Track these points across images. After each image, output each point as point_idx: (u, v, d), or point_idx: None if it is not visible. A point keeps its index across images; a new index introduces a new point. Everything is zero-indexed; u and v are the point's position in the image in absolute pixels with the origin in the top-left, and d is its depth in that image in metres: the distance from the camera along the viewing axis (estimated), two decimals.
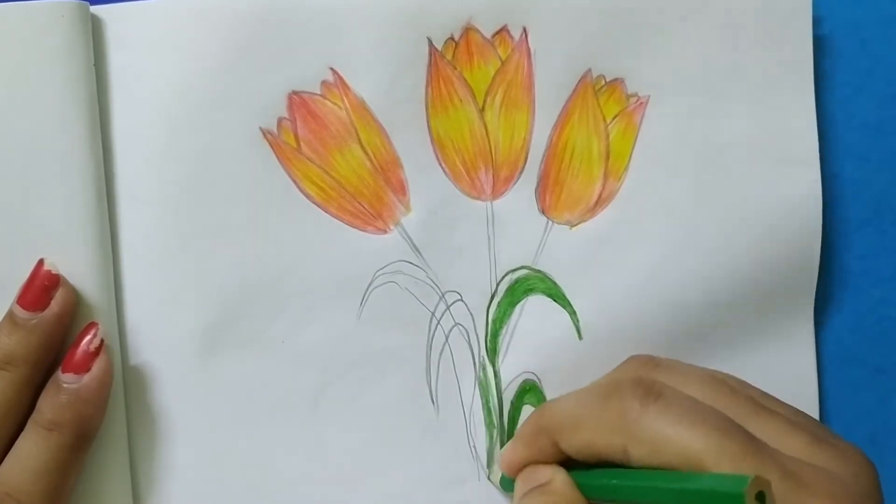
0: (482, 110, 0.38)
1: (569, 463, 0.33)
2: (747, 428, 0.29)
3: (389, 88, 0.37)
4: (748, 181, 0.39)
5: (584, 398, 0.32)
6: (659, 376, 0.31)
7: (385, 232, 0.38)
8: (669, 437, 0.28)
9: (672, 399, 0.29)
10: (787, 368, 0.40)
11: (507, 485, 0.37)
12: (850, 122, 0.39)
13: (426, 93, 0.38)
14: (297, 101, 0.37)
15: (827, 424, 0.40)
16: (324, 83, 0.37)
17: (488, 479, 0.38)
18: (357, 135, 0.38)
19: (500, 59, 0.38)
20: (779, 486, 0.26)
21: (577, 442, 0.31)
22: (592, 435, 0.30)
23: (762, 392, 0.32)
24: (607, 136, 0.38)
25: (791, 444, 0.29)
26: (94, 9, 0.36)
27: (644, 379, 0.30)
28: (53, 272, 0.35)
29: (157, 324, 0.37)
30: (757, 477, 0.25)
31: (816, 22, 0.39)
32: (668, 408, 0.29)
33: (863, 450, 0.30)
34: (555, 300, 0.39)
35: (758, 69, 0.38)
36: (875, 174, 0.40)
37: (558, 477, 0.33)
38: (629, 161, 0.39)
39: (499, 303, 0.39)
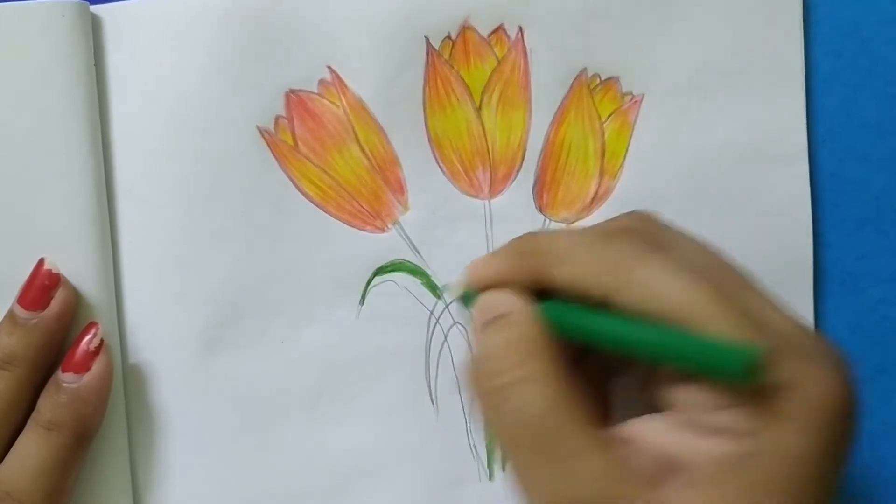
0: (479, 109, 0.38)
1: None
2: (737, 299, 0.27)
3: (387, 88, 0.38)
4: (740, 179, 0.38)
5: (579, 234, 0.29)
6: (661, 233, 0.30)
7: (383, 231, 0.38)
8: (669, 284, 0.26)
9: (675, 253, 0.28)
10: None
11: (469, 301, 0.31)
12: (850, 122, 0.39)
13: (424, 92, 0.38)
14: (295, 99, 0.37)
15: None
16: (321, 82, 0.38)
17: (440, 297, 0.38)
18: (355, 134, 0.38)
19: (497, 58, 0.38)
20: (776, 350, 0.25)
21: (564, 274, 0.28)
22: (583, 270, 0.27)
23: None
24: (602, 135, 0.39)
25: (780, 321, 0.27)
26: (94, 9, 0.37)
27: (651, 230, 0.29)
28: (54, 272, 0.35)
29: (157, 324, 0.37)
30: (768, 350, 0.24)
31: (817, 22, 0.39)
32: (670, 260, 0.27)
33: None
34: None
35: (749, 68, 0.38)
36: (875, 174, 0.39)
37: (519, 307, 0.28)
38: (624, 159, 0.38)
39: None
